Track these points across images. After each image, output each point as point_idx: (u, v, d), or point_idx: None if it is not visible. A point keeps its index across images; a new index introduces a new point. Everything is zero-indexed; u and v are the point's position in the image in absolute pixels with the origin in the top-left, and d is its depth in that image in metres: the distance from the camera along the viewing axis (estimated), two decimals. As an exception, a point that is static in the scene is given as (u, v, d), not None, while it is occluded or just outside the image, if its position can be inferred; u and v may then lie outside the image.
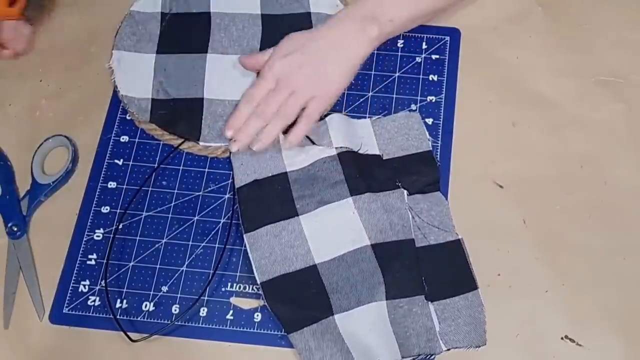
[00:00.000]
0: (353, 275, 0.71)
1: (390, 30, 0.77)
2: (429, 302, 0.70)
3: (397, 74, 0.82)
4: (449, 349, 0.69)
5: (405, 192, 0.75)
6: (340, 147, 0.76)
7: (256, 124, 0.75)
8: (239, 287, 0.73)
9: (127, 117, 0.82)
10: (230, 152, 0.78)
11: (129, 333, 0.70)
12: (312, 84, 0.75)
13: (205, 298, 0.73)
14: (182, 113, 0.80)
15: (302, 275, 0.71)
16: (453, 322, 0.70)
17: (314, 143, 0.78)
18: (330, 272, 0.71)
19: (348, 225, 0.73)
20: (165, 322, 0.72)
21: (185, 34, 0.84)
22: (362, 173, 0.75)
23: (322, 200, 0.74)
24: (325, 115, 0.79)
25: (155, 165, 0.79)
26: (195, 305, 0.72)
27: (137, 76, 0.83)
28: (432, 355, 0.69)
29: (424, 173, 0.76)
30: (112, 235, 0.75)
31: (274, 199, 0.75)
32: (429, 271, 0.72)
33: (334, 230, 0.73)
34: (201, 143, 0.79)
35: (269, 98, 0.75)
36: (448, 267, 0.72)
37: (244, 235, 0.73)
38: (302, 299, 0.71)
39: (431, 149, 0.78)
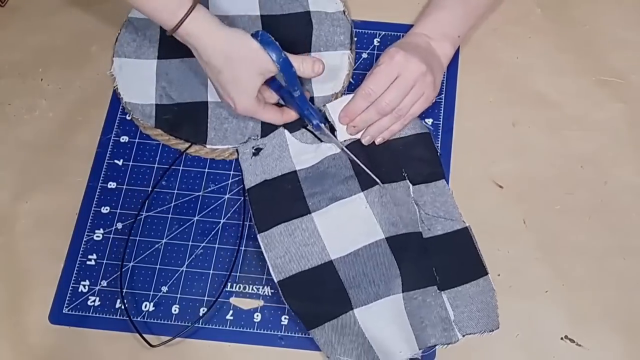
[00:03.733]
0: (370, 269, 0.71)
1: (460, 43, 0.80)
2: (442, 292, 0.71)
3: (397, 74, 0.82)
4: (464, 336, 0.69)
5: (411, 185, 0.75)
6: (346, 140, 0.76)
7: (373, 117, 0.75)
8: (239, 288, 0.73)
9: (127, 118, 0.82)
10: (237, 154, 0.78)
11: (128, 336, 0.71)
12: (428, 83, 0.74)
13: (205, 298, 0.73)
14: (187, 117, 0.80)
15: (318, 272, 0.72)
16: (466, 309, 0.70)
17: (320, 140, 0.78)
18: (347, 267, 0.72)
19: (361, 220, 0.73)
20: (173, 323, 0.72)
21: None
22: (369, 161, 0.75)
23: (333, 197, 0.74)
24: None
25: (156, 165, 0.79)
26: (196, 306, 0.72)
27: (140, 82, 0.82)
28: (448, 344, 0.69)
29: (426, 157, 0.76)
30: (126, 236, 0.76)
31: (286, 197, 0.75)
32: (439, 261, 0.72)
33: (347, 226, 0.73)
34: (208, 146, 0.79)
35: (390, 95, 0.73)
36: (457, 255, 0.73)
37: (258, 236, 0.73)
38: (320, 295, 0.71)
39: (429, 131, 0.78)
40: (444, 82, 0.81)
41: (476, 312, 0.70)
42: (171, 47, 0.83)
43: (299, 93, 0.74)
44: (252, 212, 0.75)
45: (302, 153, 0.77)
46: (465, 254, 0.73)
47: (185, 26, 0.69)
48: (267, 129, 0.79)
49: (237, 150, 0.78)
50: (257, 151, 0.78)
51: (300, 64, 0.72)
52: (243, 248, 0.74)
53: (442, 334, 0.69)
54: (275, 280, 0.71)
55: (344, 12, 0.85)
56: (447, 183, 0.76)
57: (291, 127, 0.78)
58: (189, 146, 0.79)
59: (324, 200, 0.74)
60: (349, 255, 0.72)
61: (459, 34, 0.78)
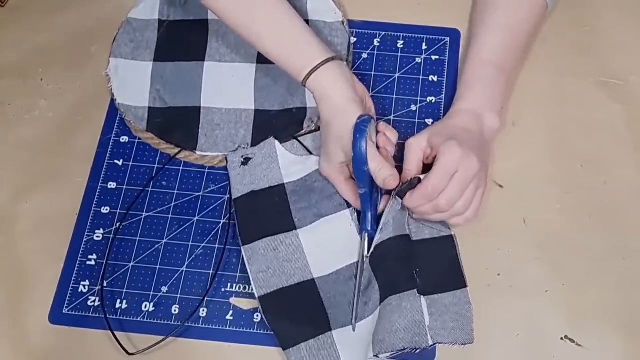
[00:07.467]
0: (350, 290, 0.71)
1: (503, 112, 0.76)
2: (421, 296, 0.70)
3: (397, 75, 0.82)
4: (434, 344, 0.69)
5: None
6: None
7: (429, 212, 0.69)
8: (239, 288, 0.73)
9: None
10: (227, 162, 0.78)
11: (127, 336, 0.71)
12: (481, 177, 0.69)
13: (205, 298, 0.73)
14: (179, 121, 0.80)
15: (300, 289, 0.71)
16: (440, 318, 0.70)
17: (311, 153, 0.77)
18: (328, 287, 0.71)
19: (345, 238, 0.73)
20: (173, 323, 0.72)
21: (182, 42, 0.84)
22: None
23: (319, 213, 0.74)
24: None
25: (155, 166, 0.79)
26: (196, 306, 0.72)
27: (134, 84, 0.82)
28: (416, 350, 0.69)
29: None
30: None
31: (272, 211, 0.74)
32: (420, 264, 0.71)
33: (331, 244, 0.73)
34: (198, 152, 0.79)
35: (449, 192, 0.67)
36: (439, 263, 0.72)
37: (242, 248, 0.73)
38: (300, 313, 0.70)
39: None
40: (445, 81, 0.81)
41: (449, 322, 0.70)
42: (168, 50, 0.83)
43: (363, 191, 0.70)
44: (237, 223, 0.74)
45: (291, 165, 0.76)
46: (447, 263, 0.72)
47: (309, 82, 0.71)
48: (258, 138, 0.78)
49: (226, 158, 0.78)
50: (246, 160, 0.77)
51: (376, 167, 0.68)
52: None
53: (412, 338, 0.68)
54: (257, 296, 0.71)
55: (342, 22, 0.84)
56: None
57: (281, 137, 0.78)
58: (179, 151, 0.79)
59: (310, 217, 0.74)
60: (331, 275, 0.71)
61: (503, 105, 0.75)
